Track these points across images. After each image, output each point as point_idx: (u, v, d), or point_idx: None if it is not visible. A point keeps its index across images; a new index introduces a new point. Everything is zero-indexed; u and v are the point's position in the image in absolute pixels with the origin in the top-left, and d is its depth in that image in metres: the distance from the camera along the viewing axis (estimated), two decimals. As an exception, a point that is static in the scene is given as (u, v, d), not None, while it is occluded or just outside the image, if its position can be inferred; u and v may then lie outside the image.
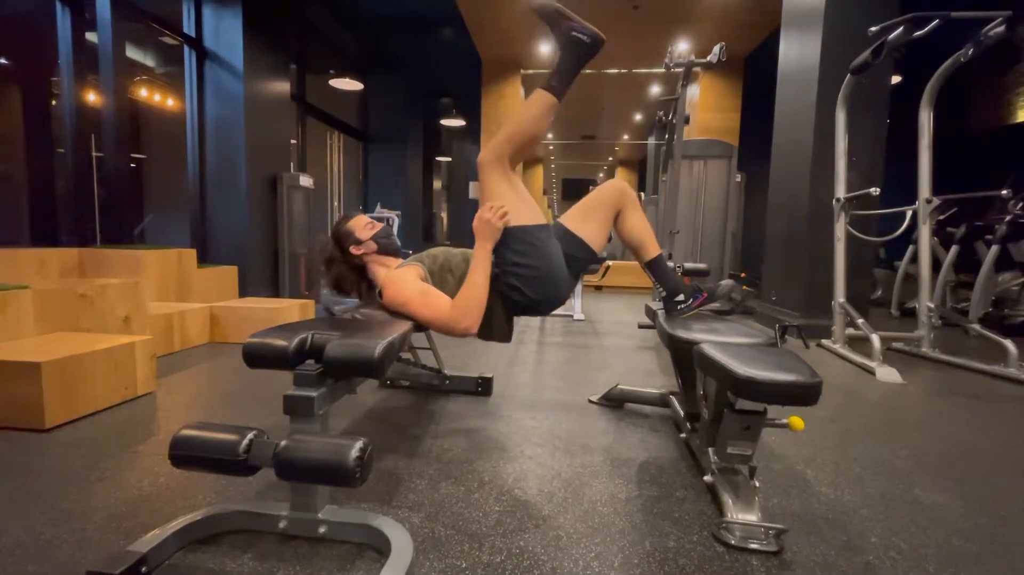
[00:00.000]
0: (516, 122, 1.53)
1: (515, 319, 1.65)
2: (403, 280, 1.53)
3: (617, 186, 1.69)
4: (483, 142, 7.62)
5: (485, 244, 1.48)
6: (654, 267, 1.71)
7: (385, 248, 1.70)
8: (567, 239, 1.61)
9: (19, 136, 4.35)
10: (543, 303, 1.55)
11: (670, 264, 1.97)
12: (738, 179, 5.66)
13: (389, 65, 7.80)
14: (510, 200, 1.51)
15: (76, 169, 3.45)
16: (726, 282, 1.77)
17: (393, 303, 1.52)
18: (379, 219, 5.93)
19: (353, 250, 1.67)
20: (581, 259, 1.63)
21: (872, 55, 2.77)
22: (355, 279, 1.71)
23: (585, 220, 1.65)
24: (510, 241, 1.51)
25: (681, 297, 1.71)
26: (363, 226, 1.70)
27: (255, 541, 1.09)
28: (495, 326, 1.59)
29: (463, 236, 10.96)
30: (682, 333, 1.46)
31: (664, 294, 1.74)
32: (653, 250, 1.71)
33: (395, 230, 5.87)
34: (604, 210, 1.67)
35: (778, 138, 4.17)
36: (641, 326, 2.14)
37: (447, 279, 1.60)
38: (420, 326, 1.53)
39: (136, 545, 0.99)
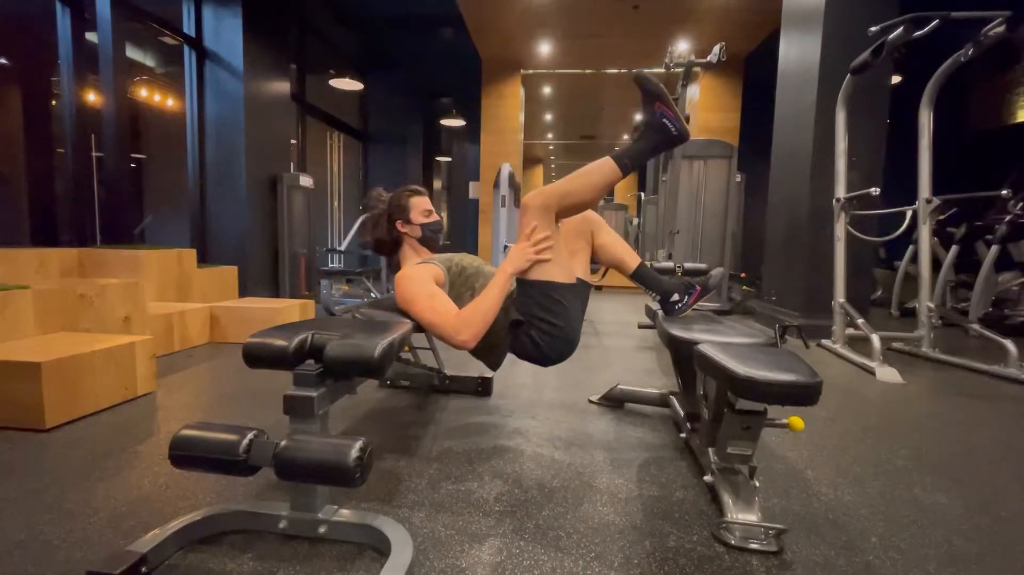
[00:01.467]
0: (577, 185, 1.47)
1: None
2: (417, 278, 1.51)
3: (578, 216, 1.67)
4: (483, 142, 7.62)
5: (509, 270, 1.44)
6: (640, 276, 1.72)
7: (427, 241, 1.71)
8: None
9: (19, 136, 4.35)
10: (553, 358, 1.52)
11: (668, 264, 1.97)
12: (738, 179, 5.66)
13: (389, 65, 7.79)
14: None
15: (76, 169, 3.45)
16: (716, 271, 1.77)
17: (402, 300, 1.51)
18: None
19: (399, 225, 1.69)
20: (586, 299, 1.63)
21: (872, 55, 2.77)
22: (390, 249, 1.73)
23: (574, 260, 1.63)
24: (538, 295, 1.47)
25: (676, 296, 1.71)
26: (421, 210, 1.71)
27: (255, 541, 1.09)
28: (495, 356, 1.58)
29: (463, 236, 10.96)
30: (682, 333, 1.46)
31: (659, 297, 1.74)
32: (633, 262, 1.71)
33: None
34: (579, 242, 1.66)
35: (778, 138, 4.17)
36: (641, 326, 2.14)
37: (464, 295, 1.58)
38: (420, 327, 1.52)
39: (136, 545, 0.99)
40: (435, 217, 1.74)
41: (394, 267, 1.75)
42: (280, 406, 1.10)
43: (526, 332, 1.49)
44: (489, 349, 1.54)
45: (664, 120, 1.43)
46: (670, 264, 2.07)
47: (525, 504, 1.28)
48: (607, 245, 1.70)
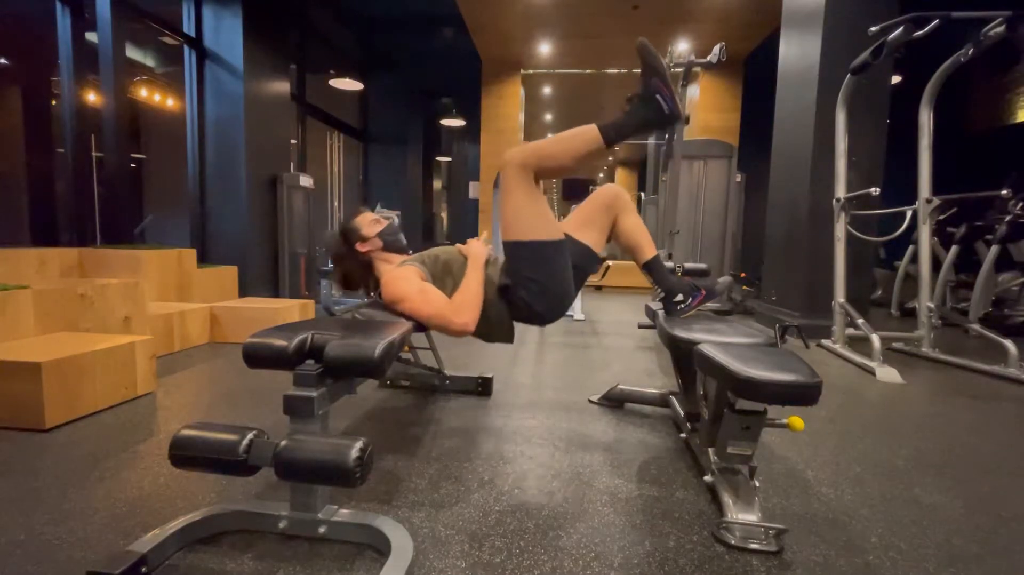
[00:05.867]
0: (557, 148, 1.49)
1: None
2: (402, 277, 1.55)
3: (612, 191, 1.71)
4: (483, 142, 7.61)
5: (479, 259, 1.58)
6: (651, 268, 1.72)
7: (391, 245, 1.71)
8: (574, 249, 1.63)
9: (19, 136, 4.35)
10: (548, 316, 1.57)
11: (669, 264, 1.97)
12: (738, 179, 5.65)
13: (389, 65, 7.79)
14: (527, 211, 1.51)
15: (76, 169, 3.45)
16: (723, 278, 1.78)
17: (391, 299, 1.53)
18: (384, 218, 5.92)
19: (359, 247, 1.68)
20: (586, 268, 1.66)
21: (872, 55, 2.77)
22: (362, 275, 1.72)
23: (585, 227, 1.67)
24: (525, 253, 1.51)
25: (680, 297, 1.71)
26: (369, 222, 1.70)
27: (255, 541, 1.09)
28: (503, 330, 1.62)
29: (463, 236, 10.96)
30: (682, 333, 1.46)
31: (663, 295, 1.74)
32: (649, 251, 1.71)
33: (395, 230, 5.85)
34: (602, 216, 1.69)
35: (778, 138, 4.17)
36: (641, 326, 2.13)
37: (447, 282, 1.62)
38: (420, 326, 1.53)
39: (136, 545, 0.99)
40: (385, 221, 1.73)
41: (374, 287, 1.73)
42: (280, 406, 1.10)
43: (516, 293, 1.54)
44: (492, 326, 1.58)
45: (658, 96, 1.43)
46: (670, 264, 2.07)
47: (525, 504, 1.28)
48: (629, 228, 1.71)
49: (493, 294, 1.56)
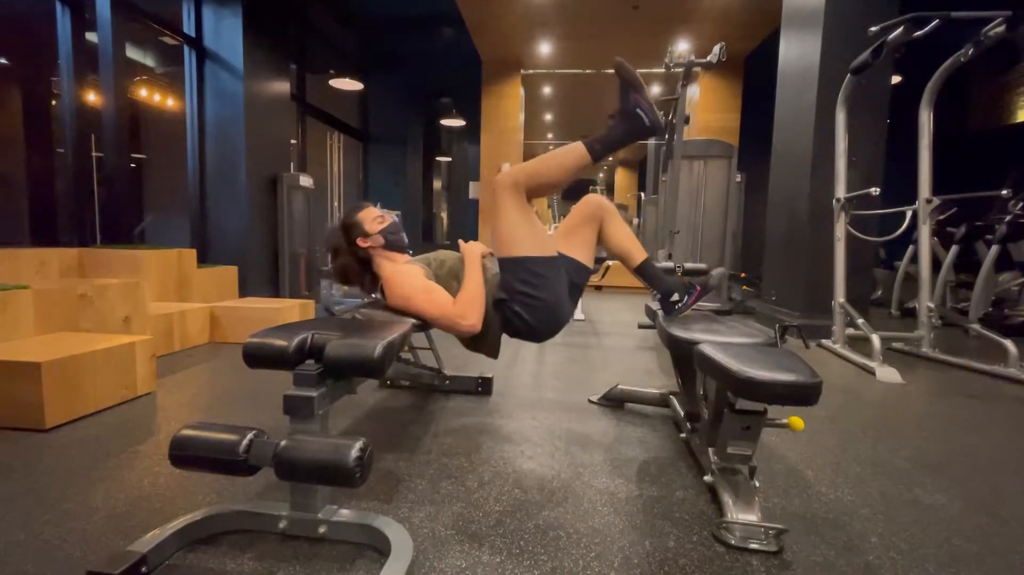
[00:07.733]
0: (545, 165, 1.54)
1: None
2: (408, 275, 1.56)
3: (594, 201, 1.71)
4: (483, 142, 7.61)
5: (475, 256, 1.59)
6: (643, 272, 1.73)
7: (392, 244, 1.68)
8: (568, 266, 1.63)
9: (19, 136, 4.35)
10: (542, 332, 1.57)
11: (668, 264, 1.97)
12: (738, 179, 5.65)
13: (389, 65, 7.80)
14: (520, 228, 1.52)
15: (76, 169, 3.44)
16: (716, 271, 1.78)
17: (396, 298, 1.54)
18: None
19: (360, 242, 1.66)
20: (581, 283, 1.67)
21: (872, 55, 2.77)
22: (360, 271, 1.68)
23: (572, 240, 1.68)
24: (518, 271, 1.52)
25: (676, 296, 1.71)
26: (372, 219, 1.68)
27: (255, 541, 1.09)
28: (488, 341, 1.61)
29: (464, 236, 10.94)
30: (682, 333, 1.46)
31: (659, 296, 1.74)
32: (639, 256, 1.72)
33: (395, 230, 5.85)
34: (586, 226, 1.69)
35: (778, 138, 4.17)
36: (641, 326, 2.13)
37: (452, 285, 1.61)
38: (421, 326, 1.53)
39: (136, 545, 0.99)
40: (389, 219, 1.71)
41: (371, 283, 1.70)
42: (280, 406, 1.10)
43: (510, 308, 1.54)
44: (482, 335, 1.57)
45: (638, 110, 1.48)
46: (670, 264, 2.07)
47: (525, 504, 1.28)
48: (616, 235, 1.71)
49: (489, 307, 1.56)
